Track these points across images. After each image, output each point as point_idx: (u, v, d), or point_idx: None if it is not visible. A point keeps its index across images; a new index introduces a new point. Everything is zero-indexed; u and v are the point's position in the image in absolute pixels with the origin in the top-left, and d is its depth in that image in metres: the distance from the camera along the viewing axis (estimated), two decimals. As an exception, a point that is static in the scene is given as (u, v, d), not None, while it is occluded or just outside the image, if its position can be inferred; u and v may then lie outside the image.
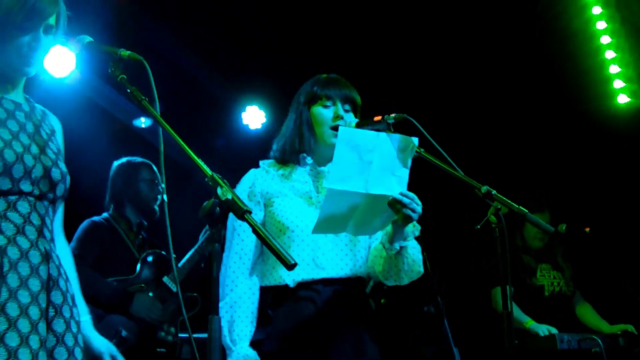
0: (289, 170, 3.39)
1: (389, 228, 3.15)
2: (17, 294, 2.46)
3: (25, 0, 2.62)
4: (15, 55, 2.64)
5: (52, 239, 2.69)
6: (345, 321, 3.19)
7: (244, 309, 3.20)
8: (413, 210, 2.99)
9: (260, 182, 3.35)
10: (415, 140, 3.02)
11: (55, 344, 2.54)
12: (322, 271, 3.19)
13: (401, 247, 3.15)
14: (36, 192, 2.60)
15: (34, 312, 2.48)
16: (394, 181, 3.00)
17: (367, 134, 2.99)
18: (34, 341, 2.44)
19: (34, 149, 2.65)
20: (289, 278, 3.18)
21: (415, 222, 3.14)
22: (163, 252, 5.14)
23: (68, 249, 2.96)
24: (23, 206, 2.58)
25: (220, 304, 3.17)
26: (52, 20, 2.70)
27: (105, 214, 5.10)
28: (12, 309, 2.43)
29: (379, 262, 3.26)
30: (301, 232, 3.22)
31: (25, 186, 2.57)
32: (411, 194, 3.00)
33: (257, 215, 3.31)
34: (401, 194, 2.98)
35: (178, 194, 5.23)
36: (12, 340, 2.39)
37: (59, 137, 2.89)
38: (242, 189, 3.36)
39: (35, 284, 2.52)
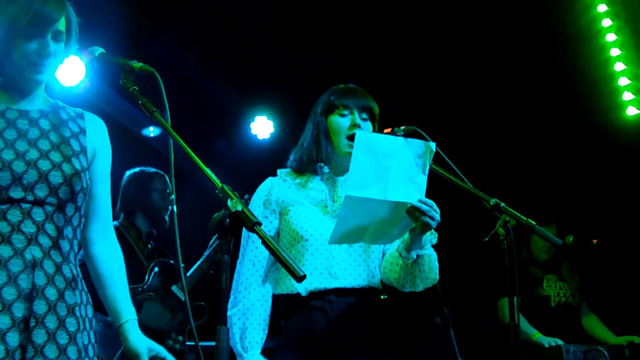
0: (305, 179, 3.39)
1: (406, 236, 3.13)
2: None
3: (29, 6, 2.58)
4: (24, 63, 2.60)
5: (55, 246, 2.60)
6: (357, 332, 3.18)
7: (256, 316, 3.21)
8: (432, 218, 2.97)
9: (276, 191, 3.36)
10: (433, 145, 3.01)
11: (32, 354, 2.46)
12: (336, 281, 3.19)
13: (418, 256, 3.13)
14: (30, 197, 2.54)
15: (4, 320, 2.43)
16: (412, 188, 2.98)
17: (385, 138, 2.99)
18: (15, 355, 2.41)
19: (32, 155, 2.59)
20: (301, 287, 3.18)
21: (433, 230, 3.13)
22: (171, 262, 5.15)
23: (116, 253, 2.90)
24: (13, 214, 2.52)
25: (233, 311, 3.21)
26: (60, 26, 2.66)
27: (115, 222, 5.09)
28: None
29: (395, 269, 3.25)
30: (315, 241, 3.22)
31: (16, 193, 2.52)
32: (430, 201, 2.98)
33: (273, 224, 3.33)
34: (420, 201, 2.96)
35: (185, 203, 5.23)
36: None
37: (91, 137, 2.84)
38: (259, 197, 3.39)
39: (10, 293, 2.46)
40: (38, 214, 2.57)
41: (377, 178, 2.92)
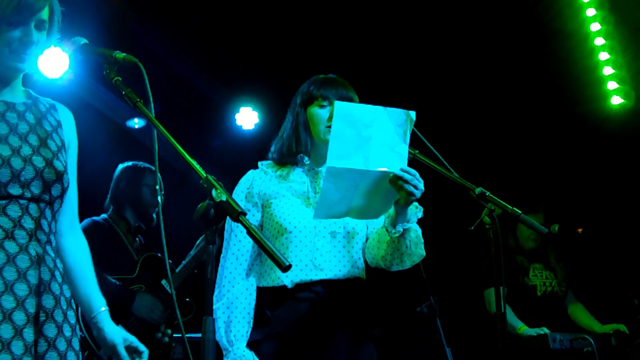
0: (286, 171, 3.36)
1: (391, 211, 3.11)
2: (1, 299, 2.43)
3: None
4: (6, 51, 2.60)
5: (48, 241, 2.64)
6: (343, 322, 3.18)
7: (240, 309, 3.19)
8: (415, 187, 2.93)
9: (258, 183, 3.34)
10: (413, 114, 2.97)
11: (46, 348, 2.50)
12: (321, 272, 3.18)
13: (404, 230, 3.10)
14: (27, 194, 2.56)
15: (19, 317, 2.45)
16: (394, 157, 2.95)
17: (364, 107, 2.96)
18: (17, 347, 2.42)
19: (26, 150, 2.59)
20: (287, 279, 3.16)
21: (417, 204, 3.11)
22: (160, 255, 5.15)
23: (84, 245, 2.91)
24: (13, 210, 2.53)
25: (217, 305, 3.19)
26: (44, 15, 2.65)
27: (104, 215, 5.11)
28: None
29: (382, 246, 3.23)
30: (299, 233, 3.21)
31: (14, 190, 2.53)
32: (412, 170, 2.95)
33: (255, 217, 3.31)
34: (402, 170, 2.93)
35: (173, 197, 5.23)
36: None
37: (66, 130, 2.83)
38: (240, 190, 3.36)
39: (22, 289, 2.48)
40: (34, 209, 2.59)
41: (358, 148, 2.89)
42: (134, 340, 2.82)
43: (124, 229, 5.11)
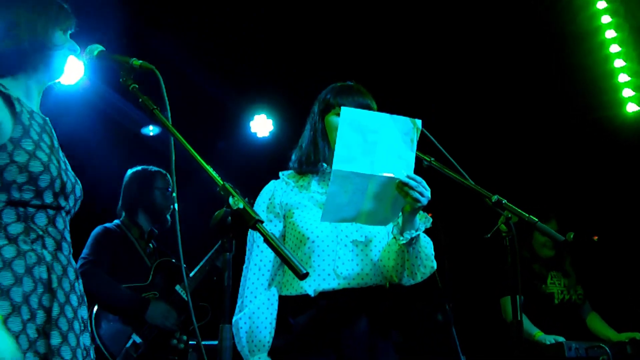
0: (307, 181, 3.37)
1: (399, 219, 3.11)
2: (65, 309, 2.49)
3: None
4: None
5: (69, 253, 2.68)
6: (366, 330, 3.17)
7: (262, 319, 3.19)
8: (421, 194, 2.94)
9: (279, 194, 3.35)
10: (419, 122, 2.97)
11: (85, 355, 2.56)
12: (344, 281, 3.18)
13: (412, 239, 3.10)
14: (67, 207, 2.63)
15: (77, 326, 2.53)
16: (400, 164, 2.95)
17: (370, 114, 2.96)
18: (79, 354, 2.51)
19: (62, 164, 2.66)
20: (310, 288, 3.17)
21: (426, 214, 3.12)
22: (173, 261, 5.15)
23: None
24: (59, 222, 2.59)
25: (239, 315, 3.20)
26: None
27: (117, 221, 5.11)
28: (63, 324, 2.47)
29: (392, 256, 3.24)
30: (322, 242, 3.21)
31: (62, 201, 2.59)
32: (418, 178, 2.95)
33: (277, 227, 3.31)
34: (408, 176, 2.94)
35: (186, 202, 5.23)
36: (67, 353, 2.45)
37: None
38: (262, 201, 3.37)
39: (74, 300, 2.56)
40: (59, 221, 2.62)
41: (364, 152, 2.90)
42: None
43: (137, 235, 5.10)
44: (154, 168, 5.26)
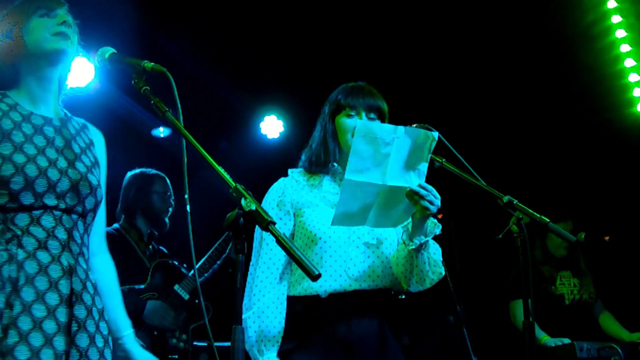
0: (318, 180, 3.36)
1: (409, 225, 3.12)
2: (32, 307, 2.45)
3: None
4: (46, 35, 2.69)
5: (81, 253, 2.67)
6: (376, 332, 3.15)
7: (271, 319, 3.16)
8: (431, 203, 2.96)
9: (290, 192, 3.32)
10: (435, 134, 2.99)
11: (78, 358, 2.52)
12: (355, 283, 3.16)
13: (421, 244, 3.09)
14: (62, 205, 2.59)
15: (50, 325, 2.47)
16: (412, 174, 2.98)
17: (385, 127, 2.97)
18: (47, 355, 2.43)
19: (62, 163, 2.64)
20: (321, 289, 3.15)
21: (435, 221, 3.12)
22: (173, 261, 5.16)
23: (111, 264, 2.99)
24: (47, 220, 2.56)
25: (247, 314, 3.16)
26: (67, 10, 2.79)
27: (115, 225, 5.13)
28: (25, 323, 2.43)
29: (400, 262, 3.22)
30: (333, 243, 3.19)
31: (50, 200, 2.56)
32: (429, 187, 2.97)
33: (287, 225, 3.28)
34: (419, 185, 2.96)
35: (190, 203, 5.24)
36: (22, 353, 2.39)
37: (98, 149, 2.89)
38: (272, 198, 3.34)
39: (53, 298, 2.51)
40: (67, 221, 2.62)
41: (376, 164, 2.93)
42: None
43: (136, 237, 5.12)
44: (153, 171, 5.29)
